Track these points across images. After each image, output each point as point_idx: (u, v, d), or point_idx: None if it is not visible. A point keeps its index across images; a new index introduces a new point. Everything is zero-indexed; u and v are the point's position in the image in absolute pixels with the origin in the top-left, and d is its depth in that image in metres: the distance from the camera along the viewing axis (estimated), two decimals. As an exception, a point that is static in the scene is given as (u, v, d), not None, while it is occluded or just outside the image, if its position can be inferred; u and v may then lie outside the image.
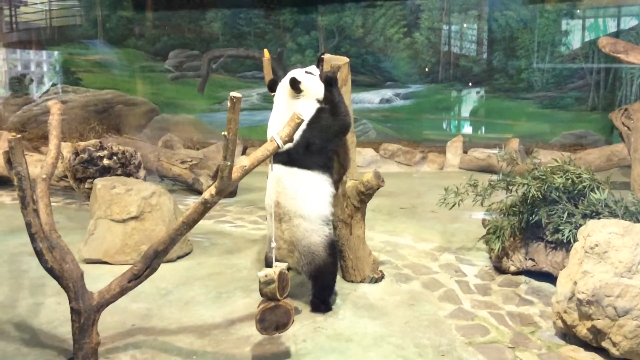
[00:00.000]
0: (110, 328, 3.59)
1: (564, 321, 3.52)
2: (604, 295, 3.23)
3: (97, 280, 3.94)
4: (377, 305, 4.11)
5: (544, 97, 12.09)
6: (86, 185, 6.84)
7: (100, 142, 7.24)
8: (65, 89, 12.60)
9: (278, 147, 3.18)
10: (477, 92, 12.64)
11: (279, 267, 3.25)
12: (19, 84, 12.63)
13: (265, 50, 4.99)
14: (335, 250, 3.95)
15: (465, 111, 12.87)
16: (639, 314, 3.19)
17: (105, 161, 6.96)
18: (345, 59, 4.36)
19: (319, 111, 3.87)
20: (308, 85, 3.88)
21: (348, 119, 4.01)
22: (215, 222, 6.51)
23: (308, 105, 3.86)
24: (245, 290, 4.33)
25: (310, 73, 3.99)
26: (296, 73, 3.92)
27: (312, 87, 3.90)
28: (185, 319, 3.84)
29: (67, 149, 7.13)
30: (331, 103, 3.92)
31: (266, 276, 3.13)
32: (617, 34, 11.18)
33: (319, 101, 3.91)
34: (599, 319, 3.27)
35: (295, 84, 3.81)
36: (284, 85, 3.94)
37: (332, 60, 4.36)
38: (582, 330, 3.40)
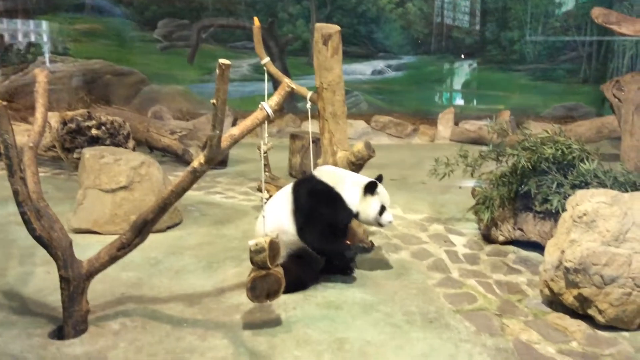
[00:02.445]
0: (100, 296, 3.59)
1: (550, 289, 3.56)
2: (591, 264, 3.27)
3: (87, 249, 3.93)
4: (367, 275, 4.13)
5: (536, 69, 12.06)
6: (74, 155, 6.78)
7: (88, 112, 7.16)
8: (52, 58, 12.38)
9: (268, 116, 3.15)
10: (469, 64, 12.58)
11: (269, 236, 3.26)
12: (5, 53, 12.41)
13: (256, 18, 4.90)
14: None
15: (457, 83, 12.83)
16: (625, 282, 3.24)
17: (94, 131, 6.89)
18: (337, 27, 4.31)
19: (344, 208, 3.82)
20: (374, 203, 3.85)
21: (315, 242, 3.79)
22: (206, 193, 6.49)
23: (351, 193, 3.84)
24: (236, 260, 4.34)
25: (384, 207, 3.88)
26: (381, 201, 3.87)
27: (373, 207, 3.85)
28: (176, 287, 3.85)
29: (55, 118, 7.05)
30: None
31: (256, 245, 3.14)
32: (610, 5, 11.11)
33: (354, 207, 3.84)
34: (585, 287, 3.31)
35: (372, 188, 3.84)
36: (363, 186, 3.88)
37: (323, 28, 4.31)
38: (569, 298, 3.44)
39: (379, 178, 4.03)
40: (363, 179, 3.91)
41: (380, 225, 3.95)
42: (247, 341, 3.13)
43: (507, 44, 12.19)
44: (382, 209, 3.87)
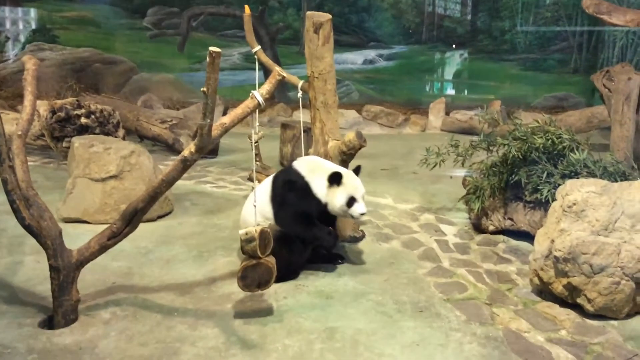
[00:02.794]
0: (91, 286, 3.57)
1: (540, 278, 3.59)
2: (580, 253, 3.29)
3: (77, 239, 3.91)
4: (358, 264, 4.15)
5: (527, 59, 12.09)
6: (64, 144, 6.72)
7: (77, 101, 7.09)
8: (41, 46, 12.25)
9: (259, 104, 3.13)
10: (461, 54, 12.59)
11: (261, 225, 3.25)
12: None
13: (246, 6, 4.88)
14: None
15: (448, 73, 12.83)
16: (614, 271, 3.26)
17: (83, 120, 6.83)
18: (328, 16, 4.29)
19: (312, 198, 3.83)
20: (339, 195, 3.80)
21: (288, 228, 3.82)
22: (196, 183, 6.46)
23: (320, 183, 3.82)
24: (227, 250, 4.33)
25: (353, 199, 3.82)
26: (348, 193, 3.80)
27: (338, 198, 3.79)
28: (167, 277, 3.84)
29: (43, 107, 6.98)
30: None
31: (247, 234, 3.13)
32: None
33: (323, 197, 3.83)
34: (574, 276, 3.34)
35: (336, 179, 3.78)
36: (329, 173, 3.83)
37: (315, 17, 4.29)
38: (558, 287, 3.46)
39: (357, 169, 4.03)
40: (336, 169, 3.86)
41: (351, 217, 3.89)
42: (238, 330, 3.13)
43: (498, 34, 12.20)
44: (351, 200, 3.81)
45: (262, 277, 3.24)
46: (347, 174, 3.87)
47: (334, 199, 3.81)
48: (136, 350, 2.91)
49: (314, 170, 3.88)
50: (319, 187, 3.83)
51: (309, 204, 3.84)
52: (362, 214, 3.87)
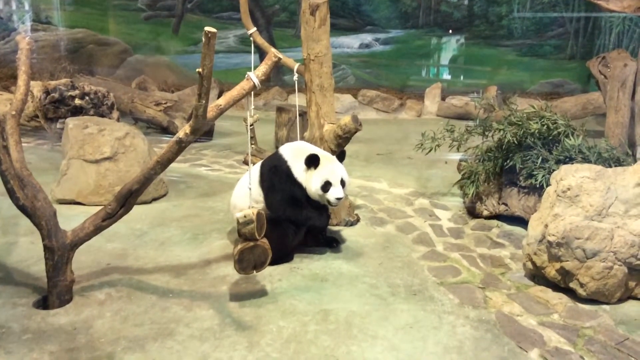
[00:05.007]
0: (85, 267, 3.58)
1: (533, 263, 3.61)
2: (573, 238, 3.31)
3: (71, 220, 3.91)
4: (352, 247, 4.16)
5: (523, 45, 12.05)
6: (58, 126, 6.69)
7: (71, 82, 7.04)
8: (35, 27, 12.12)
9: (254, 86, 3.11)
10: (457, 39, 12.54)
11: (256, 208, 3.25)
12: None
13: (242, -13, 4.84)
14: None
15: (445, 58, 12.79)
16: (607, 256, 3.28)
17: (77, 101, 6.79)
18: (325, -2, 4.26)
19: (293, 181, 3.82)
20: (315, 178, 3.76)
21: (278, 212, 3.81)
22: (191, 166, 6.44)
23: (301, 168, 3.80)
24: (222, 232, 4.34)
25: (328, 183, 3.75)
26: (323, 177, 3.76)
27: (314, 182, 3.75)
28: (161, 259, 3.84)
29: (37, 88, 6.92)
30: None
31: (245, 217, 3.13)
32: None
33: (303, 182, 3.81)
34: (567, 261, 3.36)
35: (312, 162, 3.75)
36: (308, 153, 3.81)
37: (311, -2, 4.26)
38: (551, 271, 3.49)
39: (340, 155, 4.00)
40: (315, 153, 3.83)
41: (328, 202, 3.80)
42: (232, 312, 3.15)
43: (495, 19, 12.14)
44: (327, 184, 3.75)
45: (258, 259, 3.25)
46: (325, 157, 3.84)
47: (309, 182, 3.79)
48: (131, 330, 2.92)
49: (297, 154, 3.87)
50: (299, 171, 3.82)
51: (293, 188, 3.83)
52: (338, 199, 3.78)
